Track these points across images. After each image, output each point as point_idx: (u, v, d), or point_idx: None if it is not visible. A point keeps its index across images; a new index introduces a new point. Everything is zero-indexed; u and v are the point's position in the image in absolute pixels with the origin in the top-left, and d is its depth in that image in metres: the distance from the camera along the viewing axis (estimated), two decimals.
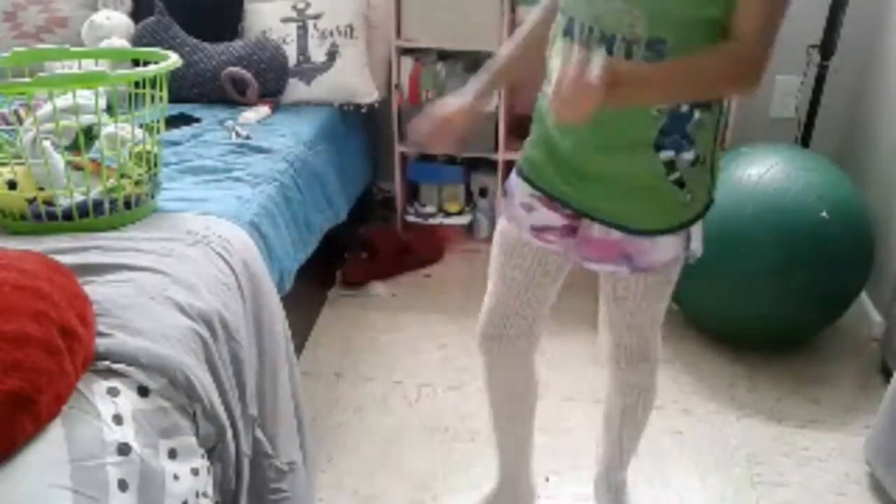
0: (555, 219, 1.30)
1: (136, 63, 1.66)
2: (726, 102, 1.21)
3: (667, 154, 1.17)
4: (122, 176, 1.46)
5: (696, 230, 1.28)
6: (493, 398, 1.54)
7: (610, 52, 1.09)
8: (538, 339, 1.45)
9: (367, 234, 2.66)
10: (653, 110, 1.15)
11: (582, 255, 1.31)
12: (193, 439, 1.11)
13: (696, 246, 1.29)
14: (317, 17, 2.46)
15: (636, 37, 1.07)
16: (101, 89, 1.40)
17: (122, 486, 0.94)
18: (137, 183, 1.50)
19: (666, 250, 1.27)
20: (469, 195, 2.77)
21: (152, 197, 1.55)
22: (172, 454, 1.06)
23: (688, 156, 1.18)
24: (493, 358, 1.47)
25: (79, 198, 1.43)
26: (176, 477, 1.04)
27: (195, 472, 1.08)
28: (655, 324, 1.42)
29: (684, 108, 1.15)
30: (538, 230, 1.32)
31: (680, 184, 1.20)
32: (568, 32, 1.16)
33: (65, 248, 1.32)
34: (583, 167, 1.23)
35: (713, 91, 1.13)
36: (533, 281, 1.37)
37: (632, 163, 1.20)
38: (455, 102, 1.31)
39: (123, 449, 0.96)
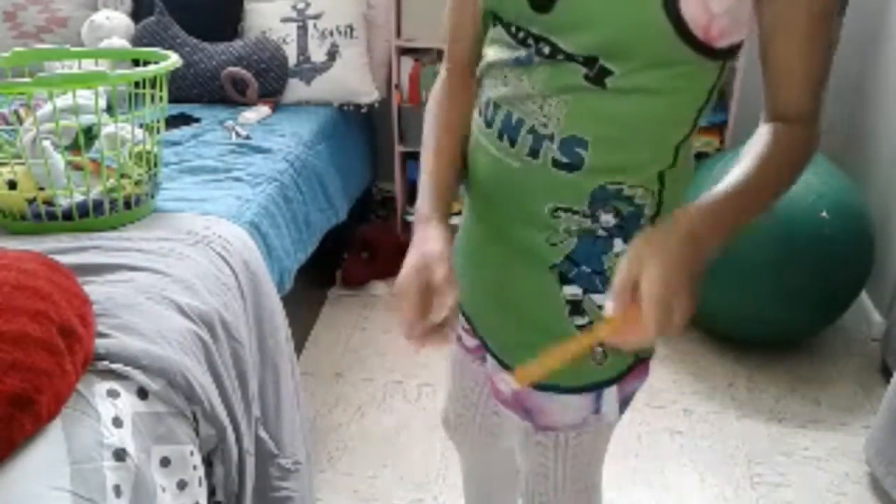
0: (467, 336, 1.05)
1: (136, 63, 1.66)
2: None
3: (572, 290, 0.86)
4: (122, 176, 1.46)
5: (612, 391, 0.94)
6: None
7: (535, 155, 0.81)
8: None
9: (367, 234, 2.66)
10: (550, 217, 0.83)
11: (491, 389, 1.04)
12: (189, 447, 1.11)
13: (609, 410, 0.95)
14: (317, 17, 2.46)
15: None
16: (101, 89, 1.40)
17: (117, 491, 0.93)
18: (137, 183, 1.50)
19: (567, 412, 0.94)
20: None
21: (152, 197, 1.55)
22: (165, 462, 1.05)
23: (601, 300, 0.84)
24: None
25: (79, 198, 1.43)
26: (163, 489, 1.04)
27: (181, 485, 1.08)
28: None
29: (601, 232, 0.82)
30: (468, 349, 1.11)
31: None
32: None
33: (65, 248, 1.32)
34: (481, 260, 0.93)
35: (779, 197, 0.79)
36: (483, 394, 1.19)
37: (528, 278, 0.88)
38: (437, 268, 0.79)
39: (120, 454, 0.96)
